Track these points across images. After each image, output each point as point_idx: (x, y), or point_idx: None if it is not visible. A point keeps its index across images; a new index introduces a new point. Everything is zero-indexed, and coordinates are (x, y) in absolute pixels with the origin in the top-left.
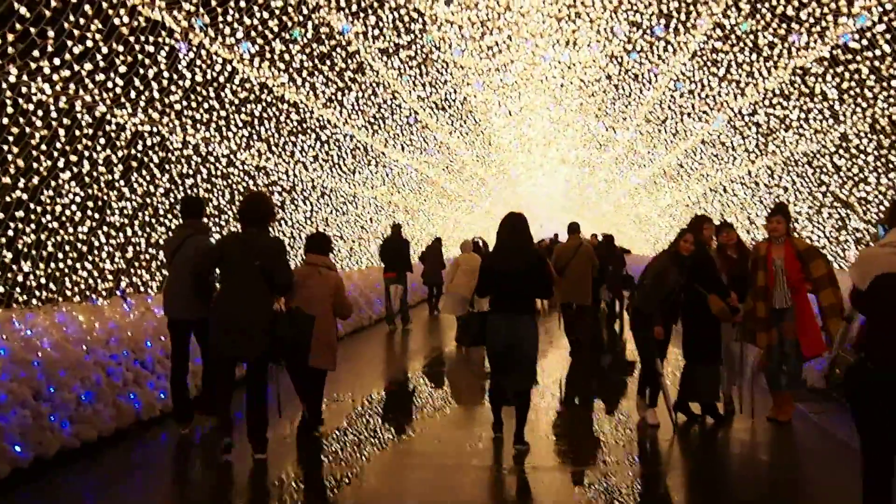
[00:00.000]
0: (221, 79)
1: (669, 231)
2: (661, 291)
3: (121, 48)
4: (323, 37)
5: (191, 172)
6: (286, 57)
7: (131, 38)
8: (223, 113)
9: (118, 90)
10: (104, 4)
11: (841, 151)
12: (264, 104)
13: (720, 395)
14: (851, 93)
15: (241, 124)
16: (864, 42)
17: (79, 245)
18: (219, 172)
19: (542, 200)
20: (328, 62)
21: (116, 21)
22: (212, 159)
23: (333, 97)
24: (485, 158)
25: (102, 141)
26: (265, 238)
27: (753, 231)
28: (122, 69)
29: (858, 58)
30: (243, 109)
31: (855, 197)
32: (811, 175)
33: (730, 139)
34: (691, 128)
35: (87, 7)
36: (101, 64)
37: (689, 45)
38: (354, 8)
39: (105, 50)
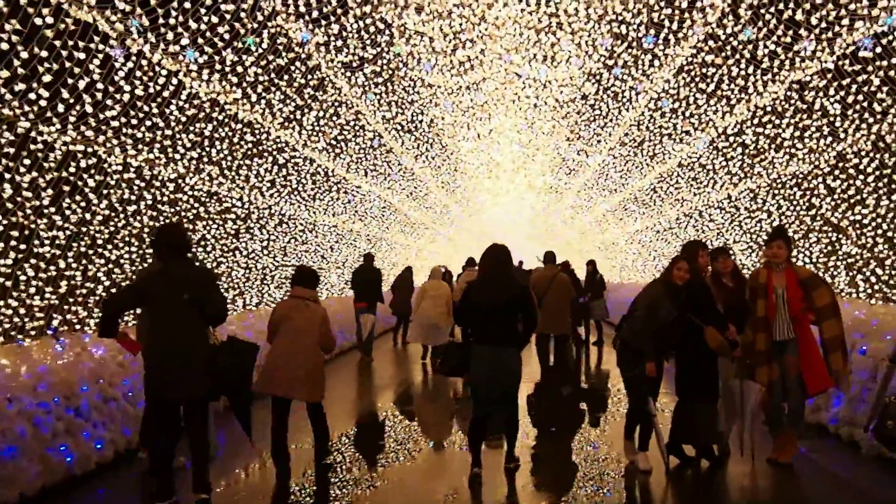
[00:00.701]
0: (166, 93)
1: (636, 258)
2: (653, 324)
3: (45, 53)
4: (280, 48)
5: (133, 198)
6: (238, 69)
7: (57, 43)
8: (169, 132)
9: (42, 103)
10: (22, 1)
11: (836, 172)
12: (215, 123)
13: (718, 436)
14: (857, 107)
15: (189, 145)
16: (878, 50)
17: (0, 279)
18: (165, 198)
19: (507, 228)
20: (286, 77)
21: (38, 21)
22: (157, 184)
23: (292, 116)
24: (450, 184)
25: (27, 162)
26: (192, 269)
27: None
28: (47, 78)
29: (870, 68)
30: (192, 128)
31: (848, 220)
32: (799, 198)
33: (711, 161)
34: (670, 150)
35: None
36: (21, 71)
37: (676, 59)
38: (315, 15)
39: (25, 55)
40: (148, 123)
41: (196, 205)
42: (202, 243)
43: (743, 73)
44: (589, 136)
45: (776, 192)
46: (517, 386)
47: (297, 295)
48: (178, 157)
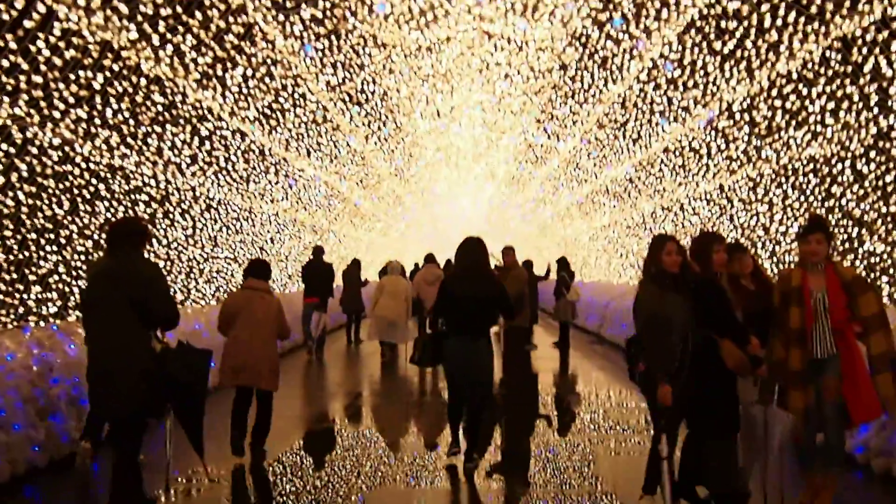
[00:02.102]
0: (29, 23)
1: (600, 255)
2: (672, 337)
3: None
4: None
5: None
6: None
7: None
8: (38, 79)
9: None
10: None
11: (872, 154)
12: (109, 74)
13: (737, 477)
14: None
15: (73, 100)
16: None
17: None
18: (49, 171)
19: (463, 222)
20: (199, 18)
21: None
22: (35, 150)
23: (210, 71)
24: (404, 172)
25: None
26: (133, 263)
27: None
28: None
29: None
30: (75, 78)
31: (876, 213)
32: (814, 186)
33: (706, 144)
34: (659, 131)
35: None
36: None
37: (689, 11)
38: None
39: None
40: (5, 64)
41: (94, 181)
42: (105, 228)
43: (779, 23)
44: (563, 117)
45: (784, 179)
46: (491, 377)
47: (252, 287)
48: (56, 115)
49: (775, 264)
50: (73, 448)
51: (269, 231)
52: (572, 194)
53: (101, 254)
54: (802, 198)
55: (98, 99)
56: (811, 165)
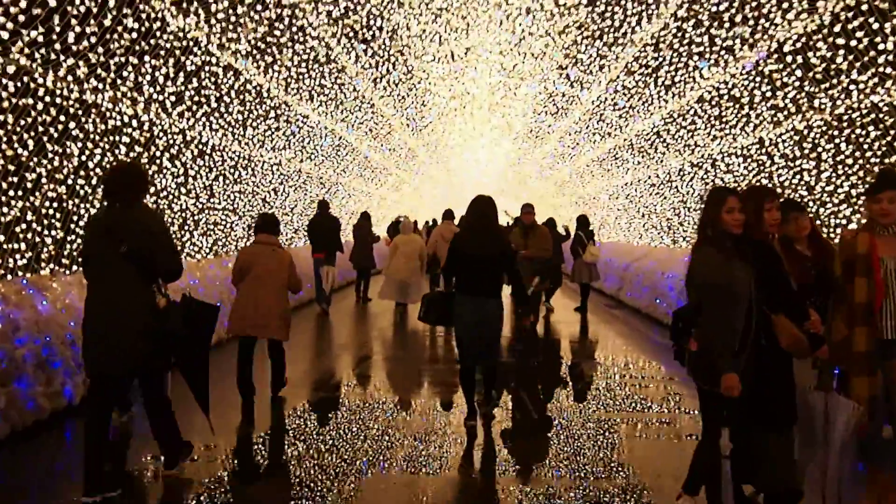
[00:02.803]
0: None
1: (621, 214)
2: (736, 312)
3: None
4: None
5: None
6: None
7: None
8: None
9: None
10: None
11: None
12: None
13: (792, 475)
14: None
15: (23, 18)
16: None
17: None
18: (5, 104)
19: (476, 178)
20: None
21: None
22: None
23: None
24: (416, 122)
25: None
26: (134, 214)
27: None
28: None
29: None
30: None
31: None
32: (871, 140)
33: (750, 91)
34: (697, 76)
35: None
36: None
37: None
38: None
39: None
40: None
41: (61, 118)
42: (81, 173)
43: None
44: (588, 61)
45: (837, 131)
46: (499, 336)
47: (262, 241)
48: (4, 35)
49: (822, 228)
50: (40, 415)
51: (271, 182)
52: (594, 149)
53: (76, 201)
54: (858, 153)
55: (56, 20)
56: (872, 115)
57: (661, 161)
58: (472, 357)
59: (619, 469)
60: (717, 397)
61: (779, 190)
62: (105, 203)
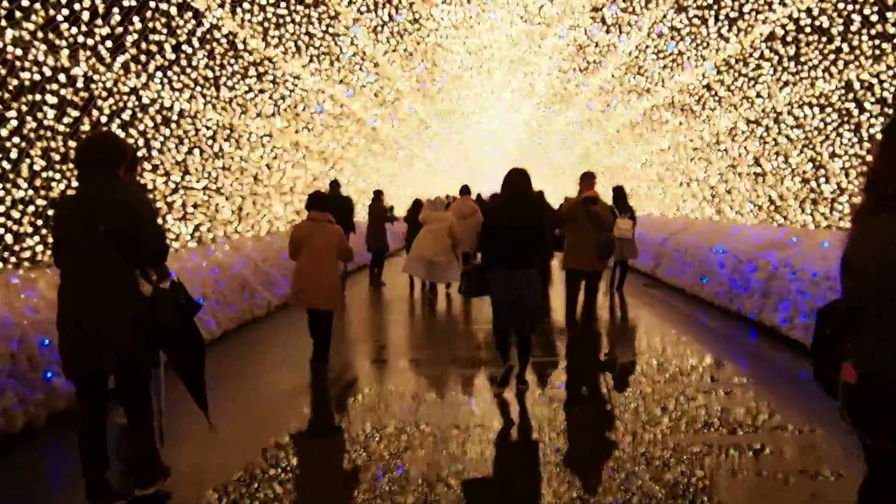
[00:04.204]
0: None
1: (654, 185)
2: None
3: None
4: None
5: None
6: None
7: None
8: None
9: None
10: None
11: None
12: None
13: None
14: None
15: None
16: None
17: None
18: None
19: (491, 152)
20: None
21: None
22: None
23: None
24: (426, 85)
25: None
26: (114, 190)
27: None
28: None
29: None
30: None
31: None
32: None
33: (840, 18)
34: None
35: None
36: None
37: None
38: None
39: None
40: None
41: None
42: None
43: None
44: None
45: None
46: (536, 308)
47: (314, 218)
48: None
49: None
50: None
51: (262, 157)
52: (629, 110)
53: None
54: None
55: None
56: None
57: (709, 120)
58: (508, 322)
59: None
60: None
61: (863, 144)
62: (78, 179)
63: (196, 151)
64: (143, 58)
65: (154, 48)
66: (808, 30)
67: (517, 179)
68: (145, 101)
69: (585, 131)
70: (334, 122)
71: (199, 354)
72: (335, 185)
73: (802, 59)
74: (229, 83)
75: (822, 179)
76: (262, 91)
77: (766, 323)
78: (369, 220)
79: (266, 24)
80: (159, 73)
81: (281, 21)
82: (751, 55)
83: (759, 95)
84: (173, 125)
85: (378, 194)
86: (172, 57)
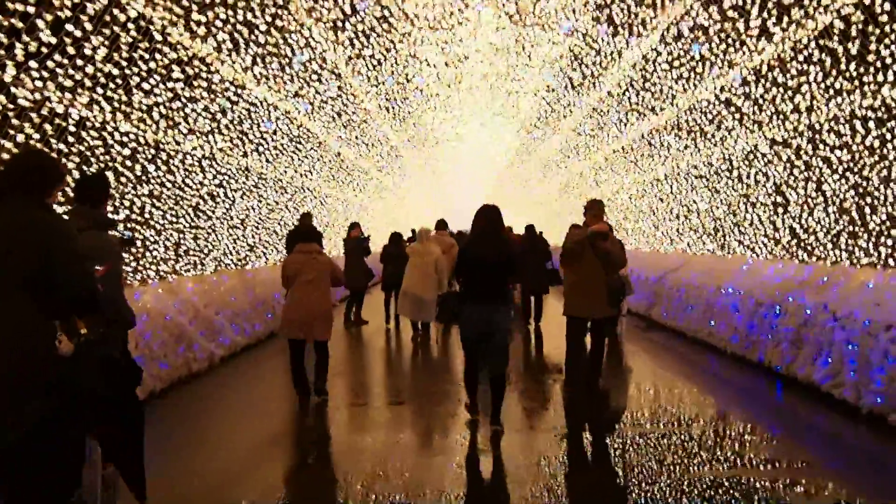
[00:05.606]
0: None
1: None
2: None
3: None
4: None
5: None
6: None
7: None
8: None
9: None
10: None
11: None
12: None
13: None
14: None
15: None
16: None
17: None
18: None
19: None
20: None
21: None
22: None
23: None
24: (396, 102)
25: None
26: (29, 219)
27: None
28: None
29: None
30: None
31: None
32: None
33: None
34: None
35: None
36: None
37: None
38: None
39: None
40: None
41: None
42: None
43: None
44: None
45: None
46: (506, 343)
47: (304, 250)
48: None
49: None
50: None
51: (203, 184)
52: (626, 132)
53: None
54: None
55: None
56: None
57: (722, 142)
58: (477, 360)
59: None
60: None
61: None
62: None
63: (110, 175)
64: (2, 38)
65: (20, 24)
66: (883, 18)
67: (490, 214)
68: (23, 102)
69: (572, 158)
70: (290, 145)
71: (136, 431)
72: (307, 216)
73: (867, 49)
74: (144, 85)
75: (867, 209)
76: (192, 99)
77: (798, 377)
78: (346, 255)
79: (187, 4)
80: (34, 63)
81: (232, 28)
82: (794, 58)
83: (795, 109)
84: (71, 135)
85: (354, 226)
86: (52, 41)
